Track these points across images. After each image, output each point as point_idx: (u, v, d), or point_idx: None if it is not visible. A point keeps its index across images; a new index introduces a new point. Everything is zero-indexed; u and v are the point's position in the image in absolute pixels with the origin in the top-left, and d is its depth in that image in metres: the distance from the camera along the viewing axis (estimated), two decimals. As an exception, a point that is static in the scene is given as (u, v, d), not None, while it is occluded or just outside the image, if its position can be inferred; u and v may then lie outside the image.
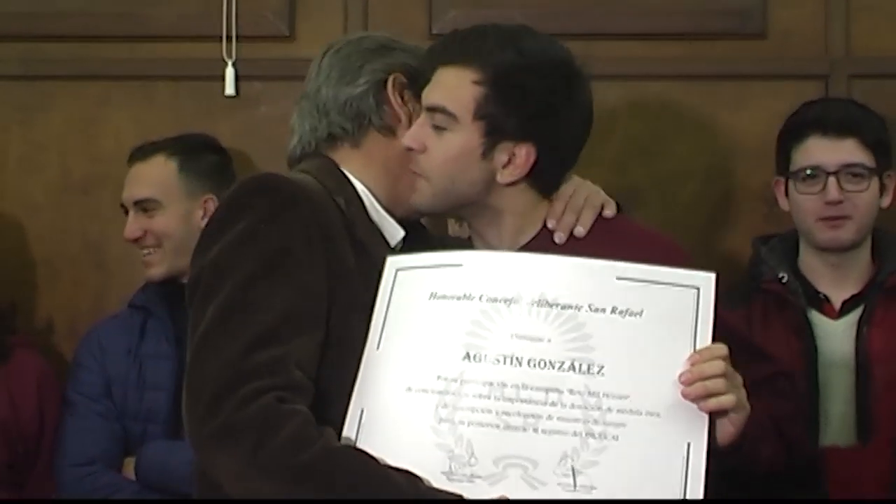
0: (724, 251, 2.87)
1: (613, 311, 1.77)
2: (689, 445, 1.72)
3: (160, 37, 2.97)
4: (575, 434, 1.72)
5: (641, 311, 1.77)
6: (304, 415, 1.75)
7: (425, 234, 2.16)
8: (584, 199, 2.02)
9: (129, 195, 2.75)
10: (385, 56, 2.05)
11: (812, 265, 2.54)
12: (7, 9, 2.97)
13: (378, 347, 1.81)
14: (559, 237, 1.98)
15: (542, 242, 1.97)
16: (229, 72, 2.92)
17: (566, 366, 1.75)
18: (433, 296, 1.81)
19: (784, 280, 2.50)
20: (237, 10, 2.93)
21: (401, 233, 2.01)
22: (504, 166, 1.94)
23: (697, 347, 1.75)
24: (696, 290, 1.77)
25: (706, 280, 1.78)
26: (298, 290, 1.81)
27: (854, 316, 2.49)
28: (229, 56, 2.93)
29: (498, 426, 1.73)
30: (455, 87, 1.93)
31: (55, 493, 2.69)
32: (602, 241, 1.95)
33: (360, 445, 1.76)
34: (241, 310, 1.79)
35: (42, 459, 2.72)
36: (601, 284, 1.78)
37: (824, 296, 2.51)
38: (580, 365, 1.75)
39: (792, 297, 2.49)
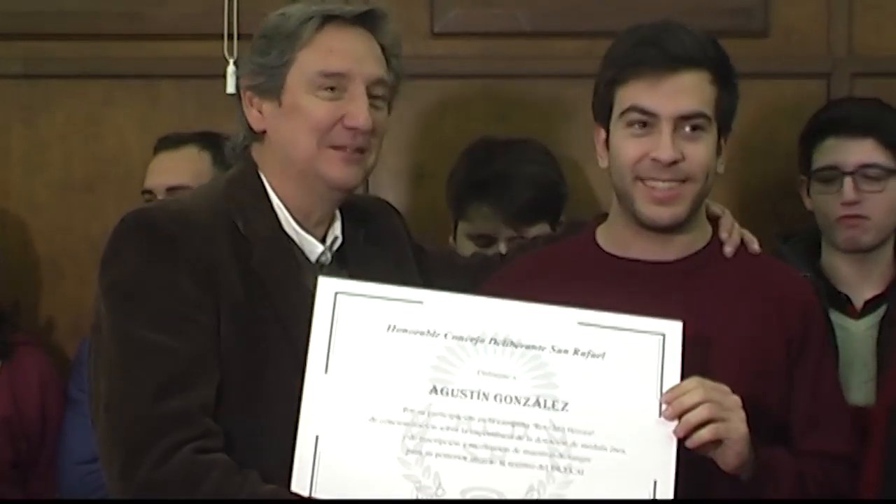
0: (727, 250, 2.86)
1: (576, 352, 1.83)
2: (655, 482, 1.78)
3: (163, 36, 2.98)
4: (541, 467, 1.78)
5: (604, 354, 1.83)
6: (224, 462, 1.75)
7: (389, 223, 2.14)
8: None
9: (162, 181, 2.70)
10: (245, 65, 2.02)
11: (834, 265, 2.52)
12: (10, 8, 2.98)
13: (326, 371, 1.82)
14: (728, 251, 2.08)
15: (710, 255, 2.08)
16: (231, 70, 2.92)
17: (531, 401, 1.81)
18: (392, 328, 1.83)
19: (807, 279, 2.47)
20: (238, 9, 2.93)
21: (318, 248, 1.97)
22: (719, 155, 2.05)
23: (664, 391, 1.82)
24: (661, 337, 1.84)
25: (672, 327, 1.84)
26: (193, 330, 1.80)
27: (876, 316, 2.47)
28: (231, 54, 2.93)
29: (465, 458, 1.78)
30: (701, 89, 2.00)
31: (58, 492, 2.70)
32: (748, 265, 2.08)
33: (318, 472, 1.78)
34: (141, 359, 1.78)
35: (45, 457, 2.74)
36: (562, 328, 1.84)
37: (846, 296, 2.49)
38: (545, 401, 1.81)
39: (814, 297, 2.47)
